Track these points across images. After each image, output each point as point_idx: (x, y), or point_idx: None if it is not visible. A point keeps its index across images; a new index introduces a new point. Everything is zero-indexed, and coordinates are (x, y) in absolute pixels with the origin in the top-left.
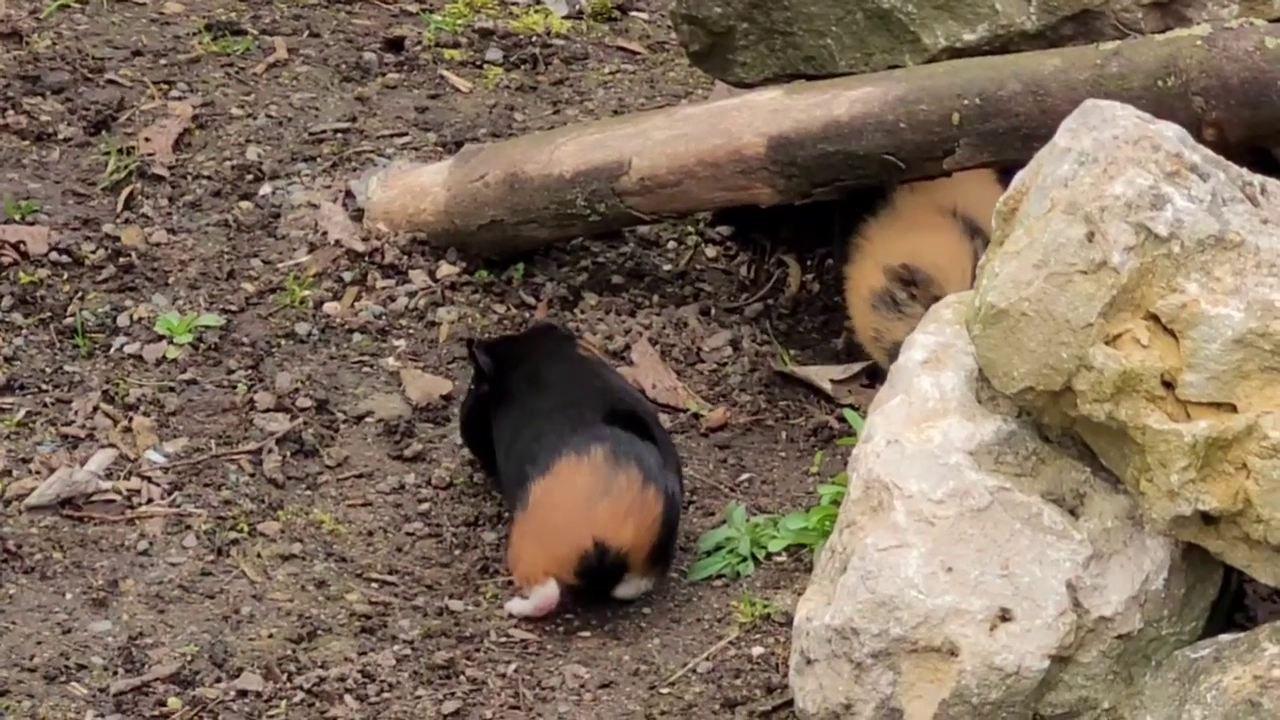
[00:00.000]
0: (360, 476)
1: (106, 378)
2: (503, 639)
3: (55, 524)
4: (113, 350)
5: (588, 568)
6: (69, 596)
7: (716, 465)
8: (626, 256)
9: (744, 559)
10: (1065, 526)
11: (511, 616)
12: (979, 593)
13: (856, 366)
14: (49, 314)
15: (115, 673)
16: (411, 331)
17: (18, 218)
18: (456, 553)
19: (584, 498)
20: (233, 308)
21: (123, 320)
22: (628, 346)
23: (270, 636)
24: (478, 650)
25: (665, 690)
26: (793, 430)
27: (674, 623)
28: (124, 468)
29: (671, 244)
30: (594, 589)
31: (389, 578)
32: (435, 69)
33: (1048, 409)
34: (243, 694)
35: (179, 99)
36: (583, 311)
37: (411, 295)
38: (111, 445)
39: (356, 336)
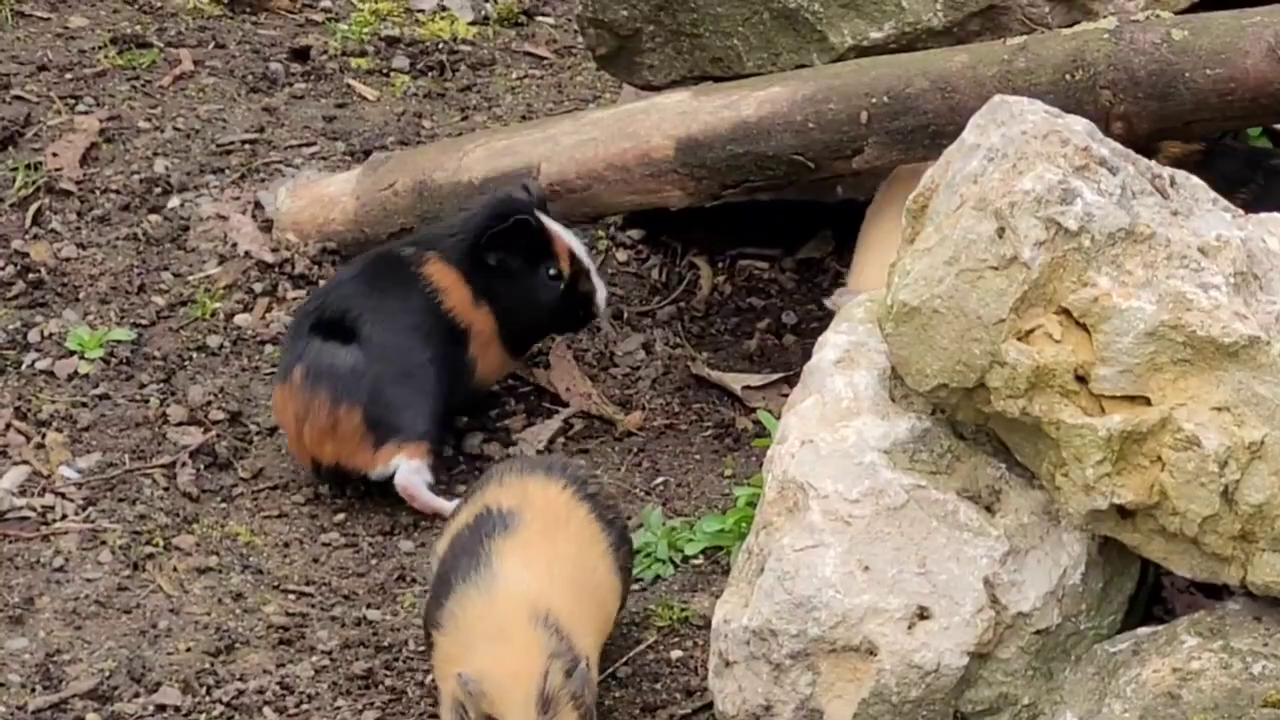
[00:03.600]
0: (275, 488)
1: (18, 394)
2: (421, 648)
3: None
4: (24, 367)
5: (322, 479)
6: None
7: (631, 469)
8: None
9: (661, 562)
10: (981, 523)
11: None
12: (896, 591)
13: (774, 375)
14: None
15: (33, 690)
16: None
17: None
18: (373, 562)
19: (293, 423)
20: (144, 321)
21: (33, 336)
22: (542, 351)
23: (188, 650)
24: (396, 660)
25: None
26: (707, 433)
27: None
28: (37, 484)
29: None
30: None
31: (306, 589)
32: (342, 78)
33: (961, 406)
34: (161, 708)
35: (85, 113)
36: None
37: None
38: (25, 462)
39: (269, 348)
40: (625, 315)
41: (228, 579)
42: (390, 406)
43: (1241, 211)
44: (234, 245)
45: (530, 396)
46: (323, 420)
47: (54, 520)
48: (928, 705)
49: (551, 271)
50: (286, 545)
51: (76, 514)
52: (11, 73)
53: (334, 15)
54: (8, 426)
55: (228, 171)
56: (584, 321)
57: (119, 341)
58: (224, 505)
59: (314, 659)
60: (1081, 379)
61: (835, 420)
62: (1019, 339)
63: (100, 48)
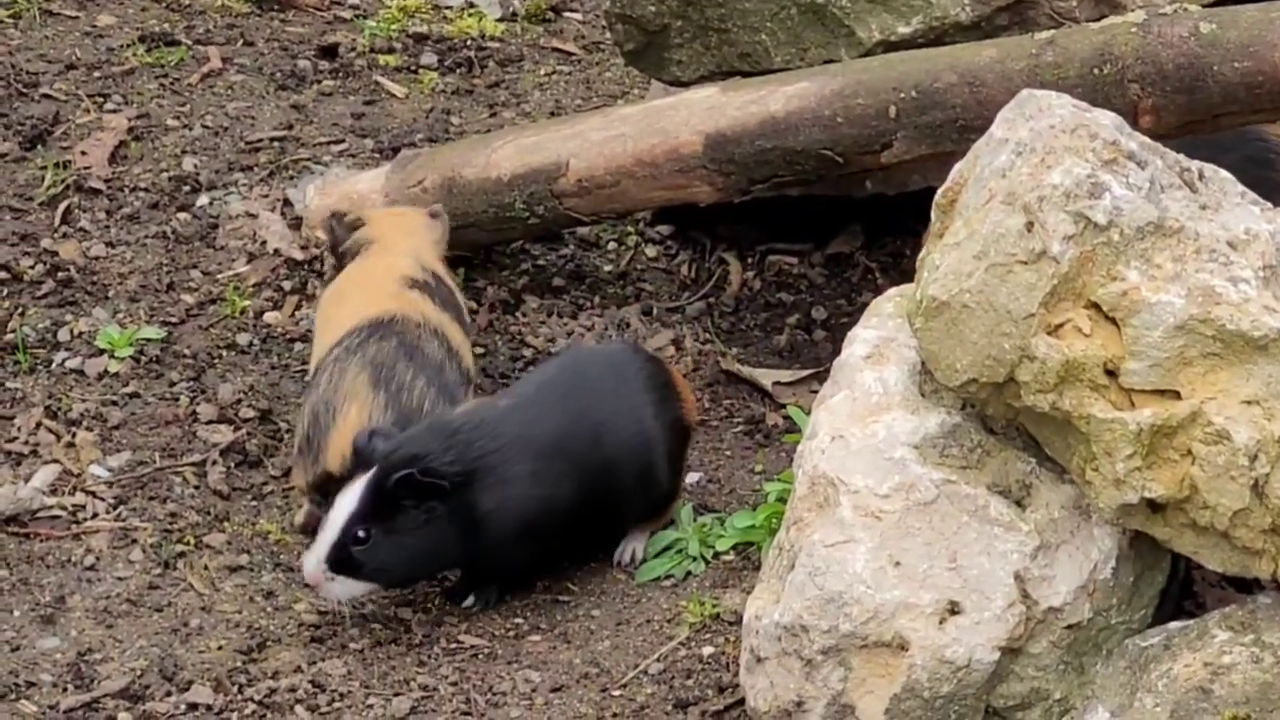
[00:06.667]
0: None
1: (49, 393)
2: (453, 645)
3: (1, 541)
4: (54, 365)
5: None
6: (16, 614)
7: None
8: (567, 258)
9: (693, 559)
10: (1012, 518)
11: None
12: (927, 586)
13: (805, 371)
14: None
15: (65, 689)
16: None
17: None
18: None
19: None
20: (173, 320)
21: (63, 335)
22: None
23: (220, 648)
24: (428, 657)
25: (617, 692)
26: (737, 429)
27: (624, 624)
28: (68, 483)
29: (611, 244)
30: None
31: None
32: (370, 75)
33: (991, 400)
34: (193, 707)
35: (114, 111)
36: (524, 315)
37: None
38: (55, 461)
39: (298, 346)
40: (654, 311)
41: (259, 577)
42: None
43: (1270, 205)
44: (263, 243)
45: None
46: None
47: (85, 519)
48: (959, 700)
49: None
50: None
51: (107, 513)
52: (40, 71)
53: (362, 12)
54: (38, 425)
55: (256, 169)
56: None
57: (149, 340)
58: (255, 503)
59: (346, 657)
60: (1111, 373)
61: (865, 416)
62: (1048, 333)
63: (128, 46)
